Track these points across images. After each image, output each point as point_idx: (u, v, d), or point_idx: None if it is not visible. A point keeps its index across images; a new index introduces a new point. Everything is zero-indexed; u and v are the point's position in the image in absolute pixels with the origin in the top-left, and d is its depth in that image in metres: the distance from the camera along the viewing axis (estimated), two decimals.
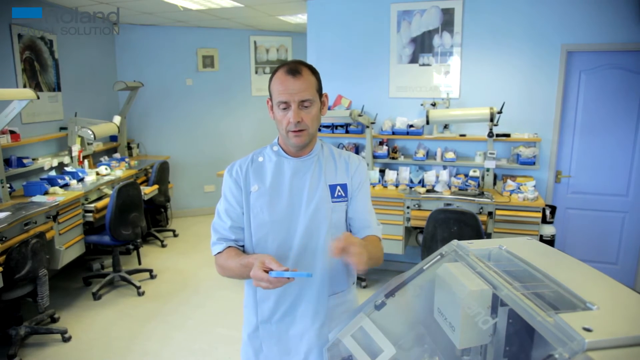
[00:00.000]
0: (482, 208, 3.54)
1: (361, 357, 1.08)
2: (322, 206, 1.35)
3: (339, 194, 1.38)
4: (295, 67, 1.28)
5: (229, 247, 1.37)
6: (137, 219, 4.02)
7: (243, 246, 1.40)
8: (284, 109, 1.28)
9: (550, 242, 3.49)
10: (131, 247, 4.44)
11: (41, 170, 4.04)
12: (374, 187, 3.98)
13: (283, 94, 1.26)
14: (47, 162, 4.07)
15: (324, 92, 1.37)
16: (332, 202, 1.36)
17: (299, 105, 1.26)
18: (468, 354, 1.10)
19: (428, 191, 3.80)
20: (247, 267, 1.22)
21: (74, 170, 4.16)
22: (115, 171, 4.59)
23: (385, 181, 4.09)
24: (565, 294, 0.85)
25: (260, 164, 1.40)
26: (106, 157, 5.04)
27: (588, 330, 0.69)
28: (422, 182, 3.99)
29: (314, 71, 1.32)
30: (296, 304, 1.37)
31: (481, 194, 3.66)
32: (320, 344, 1.35)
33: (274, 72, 1.31)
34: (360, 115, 3.98)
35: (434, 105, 4.08)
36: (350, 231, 1.43)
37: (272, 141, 1.43)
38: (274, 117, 1.33)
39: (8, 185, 3.54)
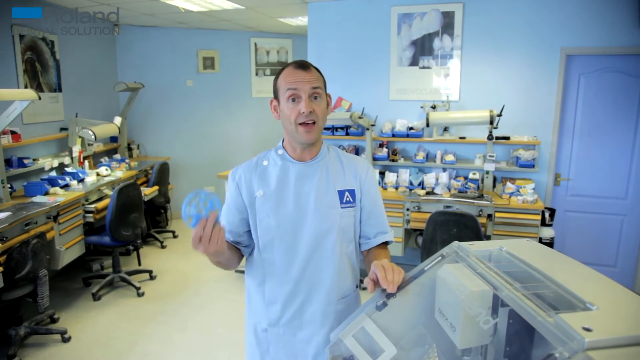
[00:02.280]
0: (481, 210, 3.55)
1: (362, 357, 1.08)
2: (331, 212, 1.34)
3: (347, 199, 1.37)
4: (304, 62, 1.31)
5: None
6: (137, 219, 4.03)
7: (246, 247, 1.40)
8: (294, 100, 1.27)
9: (549, 244, 3.49)
10: (131, 247, 4.45)
11: (42, 170, 4.05)
12: None
13: (293, 82, 1.27)
14: (48, 162, 4.08)
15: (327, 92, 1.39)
16: (341, 207, 1.35)
17: (310, 97, 1.27)
18: (469, 354, 1.11)
19: (428, 193, 3.80)
20: None
21: (74, 170, 4.17)
22: (115, 172, 4.60)
23: (385, 183, 4.10)
24: (565, 295, 0.86)
25: (265, 168, 1.38)
26: (106, 158, 5.05)
27: (588, 330, 0.70)
28: (421, 185, 4.00)
29: (319, 70, 1.35)
30: (304, 308, 1.36)
31: (481, 197, 3.67)
32: None
33: (280, 70, 1.32)
34: (360, 118, 3.99)
35: (434, 107, 4.09)
36: (362, 236, 1.43)
37: (277, 144, 1.42)
38: (279, 116, 1.32)
39: (9, 185, 3.55)
